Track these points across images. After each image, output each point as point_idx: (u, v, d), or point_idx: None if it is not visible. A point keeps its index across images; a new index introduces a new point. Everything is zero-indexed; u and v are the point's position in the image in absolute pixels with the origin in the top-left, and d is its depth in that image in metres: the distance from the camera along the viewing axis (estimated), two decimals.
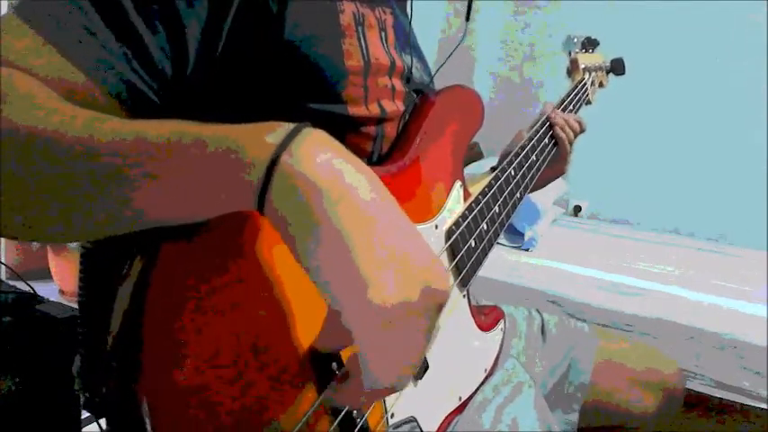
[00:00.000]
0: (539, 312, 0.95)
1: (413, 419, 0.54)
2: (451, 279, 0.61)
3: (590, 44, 1.21)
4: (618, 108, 1.84)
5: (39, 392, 0.90)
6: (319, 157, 0.34)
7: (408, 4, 0.69)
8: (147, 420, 0.36)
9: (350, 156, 0.36)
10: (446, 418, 0.61)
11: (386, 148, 0.60)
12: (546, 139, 0.89)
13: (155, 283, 0.37)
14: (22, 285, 1.09)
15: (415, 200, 0.59)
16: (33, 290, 1.05)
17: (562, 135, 0.91)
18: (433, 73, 0.75)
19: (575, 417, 0.87)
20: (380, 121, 0.57)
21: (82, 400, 0.56)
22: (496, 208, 0.71)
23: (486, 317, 0.73)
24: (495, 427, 0.66)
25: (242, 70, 0.48)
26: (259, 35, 0.48)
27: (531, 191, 0.89)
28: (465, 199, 0.67)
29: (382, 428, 0.50)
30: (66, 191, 0.36)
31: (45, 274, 1.86)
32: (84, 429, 0.97)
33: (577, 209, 2.38)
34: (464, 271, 0.63)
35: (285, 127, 0.35)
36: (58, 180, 0.36)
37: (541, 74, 2.47)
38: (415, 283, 0.34)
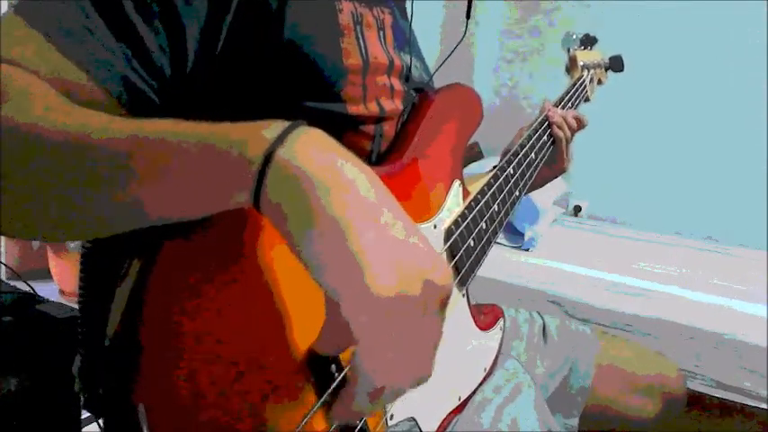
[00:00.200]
0: (540, 315, 0.95)
1: (412, 420, 0.54)
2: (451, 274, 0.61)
3: (588, 41, 1.21)
4: (618, 108, 1.84)
5: (39, 392, 0.90)
6: (315, 153, 0.34)
7: (409, 4, 0.69)
8: (144, 422, 0.36)
9: (347, 153, 0.36)
10: (445, 417, 0.61)
11: (384, 147, 0.60)
12: (545, 137, 0.89)
13: (152, 284, 0.37)
14: (22, 285, 1.09)
15: (414, 199, 0.59)
16: (33, 290, 1.05)
17: (560, 133, 0.91)
18: (432, 73, 0.75)
19: (575, 421, 0.87)
20: (379, 120, 0.57)
21: (82, 400, 0.56)
22: (495, 207, 0.71)
23: (486, 316, 0.73)
24: (495, 426, 0.66)
25: (241, 69, 0.48)
26: (258, 34, 0.48)
27: (531, 189, 0.89)
28: (464, 198, 0.67)
29: (382, 429, 0.50)
30: (64, 189, 0.36)
31: (45, 274, 1.86)
32: (84, 429, 0.97)
33: (577, 209, 2.38)
34: (463, 270, 0.63)
35: (282, 124, 0.35)
36: (56, 178, 0.36)
37: (542, 73, 2.47)
38: (416, 275, 0.33)
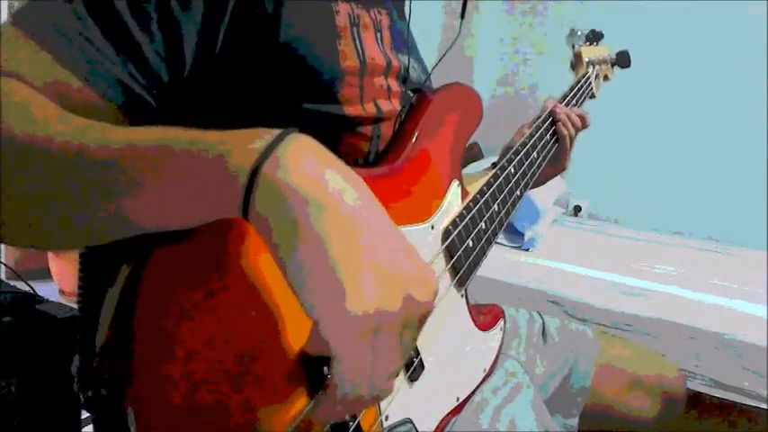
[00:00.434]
0: (540, 315, 0.95)
1: (408, 421, 0.54)
2: (446, 281, 0.61)
3: (594, 37, 1.19)
4: (618, 108, 1.84)
5: (39, 392, 0.90)
6: (303, 164, 0.34)
7: (407, 4, 0.69)
8: (133, 426, 0.36)
9: (336, 162, 0.36)
10: (443, 418, 0.61)
11: (382, 147, 0.60)
12: (547, 136, 0.88)
13: (141, 290, 0.37)
14: (22, 285, 1.09)
15: (412, 199, 0.59)
16: (33, 290, 1.05)
17: (564, 131, 0.90)
18: (429, 72, 0.75)
19: (574, 421, 0.87)
20: (377, 120, 0.57)
21: (82, 400, 0.56)
22: (495, 206, 0.70)
23: (485, 316, 0.73)
24: (493, 427, 0.66)
25: (238, 72, 0.49)
26: (255, 37, 0.48)
27: (531, 188, 0.88)
28: (463, 198, 0.67)
29: (377, 430, 0.50)
30: (59, 199, 0.36)
31: (45, 274, 1.86)
32: (84, 429, 0.97)
33: (577, 209, 2.38)
34: (461, 271, 0.62)
35: (270, 133, 0.35)
36: (52, 188, 0.36)
37: (542, 72, 2.46)
38: (396, 292, 0.34)
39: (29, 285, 1.08)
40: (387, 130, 0.59)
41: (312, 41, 0.51)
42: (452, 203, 0.64)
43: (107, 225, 0.37)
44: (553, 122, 0.90)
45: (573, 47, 1.17)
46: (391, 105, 0.60)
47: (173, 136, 0.36)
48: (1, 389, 0.86)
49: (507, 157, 0.77)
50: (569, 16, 2.33)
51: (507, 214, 0.74)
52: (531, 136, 0.84)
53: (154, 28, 0.43)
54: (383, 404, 0.50)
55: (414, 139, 0.61)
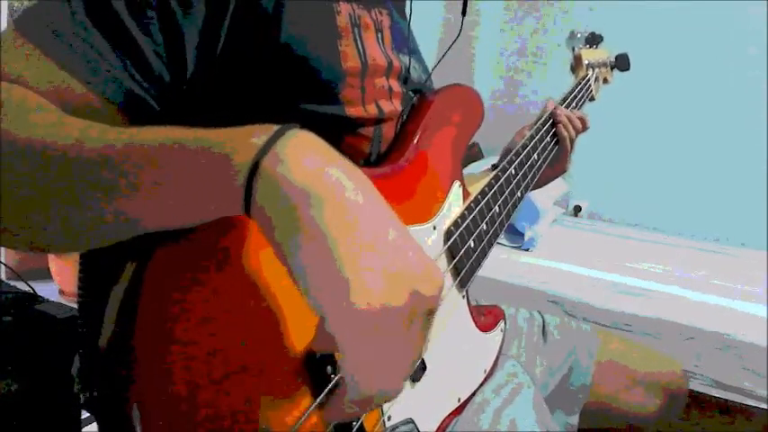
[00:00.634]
0: (540, 314, 0.95)
1: (410, 421, 0.54)
2: (448, 281, 0.61)
3: (594, 40, 1.20)
4: (618, 108, 1.84)
5: (39, 392, 0.90)
6: (303, 159, 0.34)
7: (407, 4, 0.69)
8: (138, 425, 0.36)
9: (337, 156, 0.36)
10: (445, 419, 0.61)
11: (384, 148, 0.60)
12: (548, 138, 0.89)
13: (145, 288, 0.37)
14: (22, 285, 1.09)
15: (413, 200, 0.59)
16: (33, 290, 1.05)
17: (564, 133, 0.90)
18: (430, 71, 0.75)
19: (575, 419, 0.87)
20: (378, 121, 0.57)
21: (82, 399, 0.56)
22: (497, 208, 0.70)
23: (486, 317, 0.73)
24: (494, 428, 0.66)
25: (239, 73, 0.48)
26: (256, 38, 0.48)
27: (531, 189, 0.88)
28: (464, 199, 0.67)
29: (379, 430, 0.50)
30: (62, 201, 0.36)
31: (45, 274, 1.86)
32: (84, 429, 0.97)
33: (577, 209, 2.38)
34: (463, 272, 0.63)
35: (270, 129, 0.35)
36: (55, 191, 0.36)
37: (542, 72, 2.46)
38: (402, 286, 0.33)
39: (29, 285, 1.07)
40: (388, 131, 0.59)
41: (313, 42, 0.51)
42: (454, 204, 0.64)
43: (110, 226, 0.37)
44: (554, 124, 0.90)
45: (573, 49, 1.17)
46: (393, 106, 0.60)
47: (174, 135, 0.36)
48: (1, 389, 0.86)
49: (508, 158, 0.77)
50: (571, 16, 2.33)
51: (508, 215, 0.74)
52: (532, 138, 0.84)
53: (155, 30, 0.43)
54: (385, 404, 0.50)
55: (415, 140, 0.61)
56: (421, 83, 0.68)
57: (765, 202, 1.99)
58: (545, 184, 0.94)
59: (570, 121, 0.91)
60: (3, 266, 1.60)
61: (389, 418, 0.51)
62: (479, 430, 0.64)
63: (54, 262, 1.89)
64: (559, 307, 1.39)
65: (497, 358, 0.73)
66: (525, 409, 0.71)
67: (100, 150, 0.36)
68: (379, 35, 0.60)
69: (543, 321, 0.93)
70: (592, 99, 1.12)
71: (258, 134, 0.34)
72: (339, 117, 0.53)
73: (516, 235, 1.73)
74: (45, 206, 0.37)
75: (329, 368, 0.43)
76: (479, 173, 0.87)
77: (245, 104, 0.49)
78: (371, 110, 0.56)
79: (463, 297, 0.66)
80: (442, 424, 0.60)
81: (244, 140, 0.34)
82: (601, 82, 1.18)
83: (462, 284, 0.63)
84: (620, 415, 0.89)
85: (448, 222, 0.62)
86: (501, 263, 1.54)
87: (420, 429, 0.55)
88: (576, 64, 1.15)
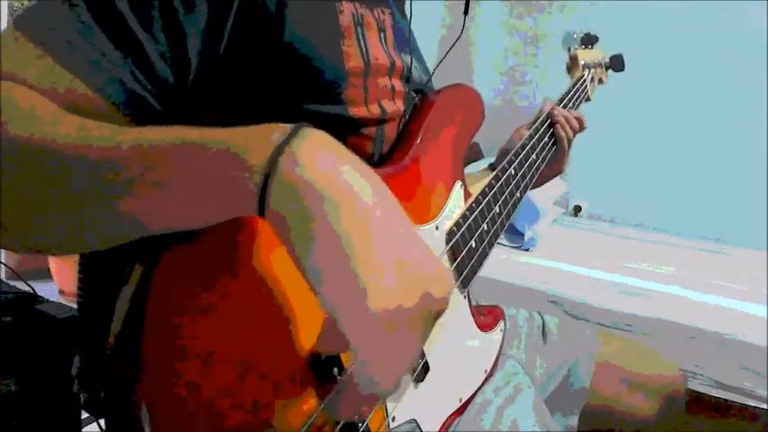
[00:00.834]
0: (540, 314, 0.95)
1: (413, 421, 0.54)
2: (454, 282, 0.61)
3: (589, 40, 1.20)
4: (618, 108, 1.84)
5: (39, 392, 0.90)
6: (318, 159, 0.34)
7: (408, 3, 0.69)
8: (147, 425, 0.36)
9: (351, 156, 0.36)
10: (447, 419, 0.61)
11: (386, 148, 0.60)
12: (546, 138, 0.89)
13: (154, 289, 0.37)
14: (22, 285, 1.09)
15: (416, 201, 0.59)
16: (33, 290, 1.05)
17: (562, 133, 0.91)
18: (431, 71, 0.75)
19: (575, 420, 0.87)
20: (381, 121, 0.57)
21: (82, 400, 0.56)
22: (497, 208, 0.70)
23: (486, 317, 0.73)
24: (496, 428, 0.66)
25: (242, 73, 0.48)
26: (259, 38, 0.48)
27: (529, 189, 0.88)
28: (465, 199, 0.67)
29: (384, 431, 0.50)
30: (66, 202, 0.36)
31: (45, 274, 1.86)
32: (84, 429, 0.97)
33: (577, 209, 2.38)
34: (465, 272, 0.63)
35: (284, 129, 0.34)
36: (59, 191, 0.36)
37: (542, 72, 2.47)
38: (416, 289, 0.34)
39: (29, 285, 1.07)
40: (390, 131, 0.59)
41: (316, 42, 0.51)
42: (456, 204, 0.64)
43: (115, 228, 0.37)
44: (551, 125, 0.90)
45: (569, 50, 1.18)
46: (395, 106, 0.59)
47: (182, 135, 0.35)
48: (1, 389, 0.86)
49: (508, 158, 0.77)
50: (569, 16, 2.33)
51: (508, 216, 0.74)
52: (531, 138, 0.84)
53: (158, 30, 0.43)
54: (390, 405, 0.51)
55: (418, 141, 0.61)
56: (422, 82, 0.68)
57: (765, 202, 1.99)
58: (542, 184, 0.95)
59: (568, 121, 0.92)
60: (3, 266, 1.59)
61: (394, 419, 0.51)
62: (482, 430, 0.65)
63: (54, 262, 1.89)
64: (559, 307, 1.39)
65: (497, 358, 0.73)
66: (526, 409, 0.71)
67: (105, 151, 0.35)
68: (382, 34, 0.60)
69: (543, 322, 0.93)
70: (588, 99, 1.12)
71: (271, 134, 0.34)
72: (342, 117, 0.53)
73: (516, 235, 1.73)
74: (47, 207, 0.36)
75: (335, 369, 0.43)
76: (477, 172, 0.87)
77: (248, 104, 0.49)
78: (374, 110, 0.56)
79: (464, 297, 0.66)
80: (444, 424, 0.60)
81: (256, 140, 0.34)
82: (596, 82, 1.18)
83: (464, 285, 0.63)
84: (619, 417, 0.89)
85: (450, 223, 0.62)
86: (501, 263, 1.55)
87: (423, 430, 0.55)
88: (573, 64, 1.16)
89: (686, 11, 2.07)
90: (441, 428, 0.59)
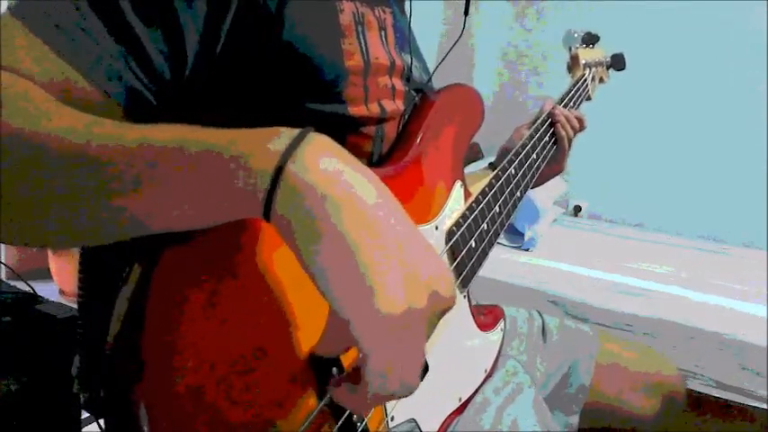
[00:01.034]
0: (540, 314, 0.95)
1: (413, 421, 0.54)
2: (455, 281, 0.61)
3: (590, 39, 1.20)
4: (618, 107, 1.84)
5: (39, 392, 0.90)
6: (324, 164, 0.34)
7: (407, 3, 0.69)
8: (145, 425, 0.36)
9: (354, 161, 0.36)
10: (446, 419, 0.61)
11: (386, 148, 0.60)
12: (546, 137, 0.89)
13: (154, 289, 0.37)
14: (22, 285, 1.09)
15: (416, 200, 0.59)
16: (33, 290, 1.05)
17: (562, 133, 0.91)
18: (432, 71, 0.75)
19: (575, 419, 0.87)
20: (381, 120, 0.57)
21: (82, 399, 0.56)
22: (497, 208, 0.70)
23: (486, 317, 0.73)
24: (496, 427, 0.66)
25: (241, 70, 0.48)
26: (258, 35, 0.48)
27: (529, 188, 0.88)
28: (466, 199, 0.67)
29: (383, 431, 0.50)
30: (66, 197, 0.36)
31: (45, 274, 1.86)
32: (84, 429, 0.97)
33: (577, 209, 2.38)
34: (464, 272, 0.63)
35: (289, 133, 0.35)
36: (58, 186, 0.35)
37: (542, 71, 2.47)
38: (423, 289, 0.34)
39: (29, 285, 1.07)
40: (390, 130, 0.59)
41: (316, 41, 0.51)
42: (455, 204, 0.64)
43: (115, 225, 0.37)
44: (552, 124, 0.90)
45: (570, 49, 1.18)
46: (395, 105, 0.59)
47: (187, 136, 0.35)
48: (1, 389, 0.86)
49: (508, 158, 0.77)
50: (570, 15, 2.33)
51: (508, 215, 0.74)
52: (531, 137, 0.84)
53: (156, 24, 0.43)
54: (389, 405, 0.51)
55: (418, 140, 0.61)
56: (422, 82, 0.68)
57: (765, 201, 1.99)
58: (542, 183, 0.95)
59: (568, 120, 0.92)
60: (3, 266, 1.59)
61: (392, 419, 0.51)
62: (481, 430, 0.65)
63: (54, 262, 1.89)
64: (559, 307, 1.39)
65: (497, 358, 0.73)
66: (526, 408, 0.71)
67: (107, 148, 0.35)
68: (383, 33, 0.60)
69: (543, 322, 0.93)
70: (589, 99, 1.12)
71: (277, 138, 0.34)
72: (341, 116, 0.53)
73: (516, 235, 1.73)
74: (47, 202, 0.36)
75: (335, 369, 0.43)
76: (477, 171, 0.87)
77: (246, 103, 0.49)
78: (374, 109, 0.56)
79: (464, 297, 0.66)
80: (443, 424, 0.60)
81: (263, 144, 0.34)
82: (597, 81, 1.18)
83: (464, 284, 0.63)
84: (619, 416, 0.89)
85: (449, 222, 0.62)
86: (501, 263, 1.54)
87: (422, 429, 0.55)
88: (573, 63, 1.16)
89: (687, 10, 2.07)
90: (440, 428, 0.59)
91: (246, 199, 0.34)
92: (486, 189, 0.69)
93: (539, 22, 2.46)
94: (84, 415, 0.97)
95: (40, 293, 1.04)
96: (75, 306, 0.57)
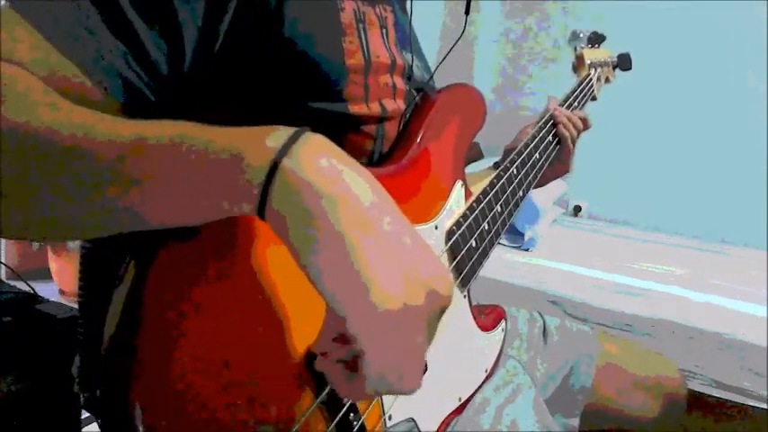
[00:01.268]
0: (540, 315, 0.95)
1: (411, 420, 0.54)
2: (453, 281, 0.61)
3: (596, 39, 1.20)
4: (618, 108, 1.84)
5: (39, 392, 0.90)
6: (320, 162, 0.34)
7: (408, 1, 0.69)
8: (140, 425, 0.36)
9: (350, 160, 0.36)
10: (445, 418, 0.61)
11: (386, 147, 0.59)
12: (549, 137, 0.89)
13: (149, 288, 0.37)
14: (22, 285, 1.09)
15: (416, 200, 0.59)
16: (33, 290, 1.05)
17: (565, 133, 0.90)
18: (432, 71, 0.75)
19: (576, 421, 0.87)
20: (381, 119, 0.57)
21: (82, 399, 0.56)
22: (498, 207, 0.70)
23: (487, 317, 0.73)
24: (495, 427, 0.66)
25: (241, 68, 0.48)
26: (258, 33, 0.48)
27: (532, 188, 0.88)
28: (466, 198, 0.67)
29: (380, 429, 0.50)
30: (63, 191, 0.36)
31: (45, 274, 1.86)
32: (84, 429, 0.97)
33: (577, 209, 2.38)
34: (464, 271, 0.62)
35: (286, 131, 0.35)
36: (55, 180, 0.36)
37: (544, 71, 2.46)
38: (420, 287, 0.34)
39: (29, 285, 1.07)
40: (391, 129, 0.59)
41: (316, 38, 0.51)
42: (456, 204, 0.64)
43: (112, 219, 0.37)
44: (555, 124, 0.90)
45: (575, 49, 1.17)
46: (396, 104, 0.59)
47: (184, 132, 0.35)
48: (1, 389, 0.86)
49: (510, 157, 0.77)
50: (572, 16, 2.33)
51: (510, 215, 0.74)
52: (534, 137, 0.84)
53: (155, 21, 0.43)
54: (386, 404, 0.50)
55: (418, 140, 0.61)
56: (423, 81, 0.68)
57: (766, 201, 1.98)
58: (546, 183, 0.94)
59: (570, 120, 0.91)
60: (3, 266, 1.59)
61: (390, 418, 0.51)
62: (480, 430, 0.64)
63: (54, 262, 1.89)
64: (559, 307, 1.39)
65: (498, 358, 0.73)
66: (526, 409, 0.71)
67: (105, 143, 0.35)
68: (384, 32, 0.60)
69: (544, 323, 0.93)
70: (594, 98, 1.12)
71: (273, 136, 0.34)
72: (342, 114, 0.53)
73: (516, 235, 1.73)
74: (45, 195, 0.36)
75: None
76: (480, 171, 0.87)
77: (246, 101, 0.49)
78: (375, 108, 0.56)
79: (464, 297, 0.66)
80: (442, 423, 0.60)
81: (260, 141, 0.34)
82: (602, 81, 1.18)
83: (464, 284, 0.63)
84: (620, 418, 0.89)
85: (450, 222, 0.62)
86: (501, 263, 1.54)
87: (421, 429, 0.55)
88: (578, 63, 1.16)
89: (687, 10, 2.07)
90: (439, 427, 0.59)
91: (242, 194, 0.34)
92: (488, 189, 0.69)
93: (542, 21, 2.45)
94: (85, 415, 0.97)
95: (40, 293, 1.04)
96: (76, 306, 0.57)
